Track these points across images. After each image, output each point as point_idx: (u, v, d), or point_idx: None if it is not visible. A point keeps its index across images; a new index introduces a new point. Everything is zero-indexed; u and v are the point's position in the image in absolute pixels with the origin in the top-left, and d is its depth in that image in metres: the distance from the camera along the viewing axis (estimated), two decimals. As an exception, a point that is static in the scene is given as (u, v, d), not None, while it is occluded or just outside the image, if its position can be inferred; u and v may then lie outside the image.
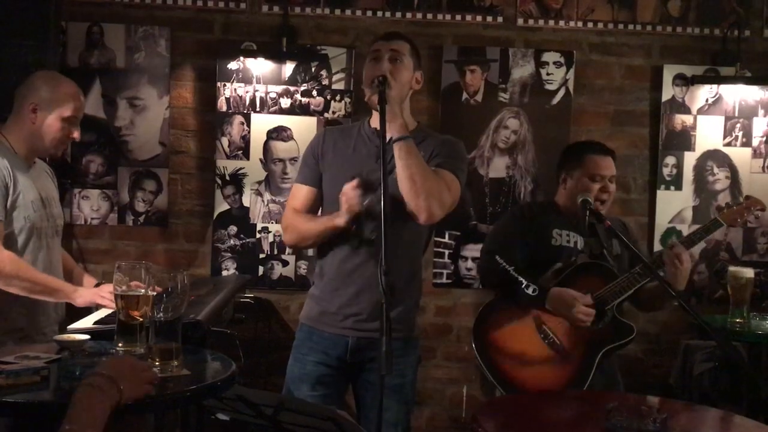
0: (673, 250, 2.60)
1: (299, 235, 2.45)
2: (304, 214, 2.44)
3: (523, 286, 2.61)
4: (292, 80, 3.77)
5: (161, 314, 1.78)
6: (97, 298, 2.41)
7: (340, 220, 2.29)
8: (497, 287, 2.78)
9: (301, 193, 2.47)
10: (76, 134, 2.54)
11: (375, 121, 2.41)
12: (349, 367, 2.41)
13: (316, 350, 2.41)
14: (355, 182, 2.24)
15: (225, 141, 3.76)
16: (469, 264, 3.82)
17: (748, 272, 3.12)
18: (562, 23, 3.85)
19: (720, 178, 3.92)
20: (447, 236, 3.84)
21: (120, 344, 1.93)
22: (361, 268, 2.34)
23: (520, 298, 2.63)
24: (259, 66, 3.74)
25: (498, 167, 3.84)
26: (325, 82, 3.77)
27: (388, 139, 2.23)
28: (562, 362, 2.63)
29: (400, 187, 2.24)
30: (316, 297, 2.47)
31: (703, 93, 3.90)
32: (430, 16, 3.80)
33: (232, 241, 3.78)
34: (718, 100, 3.91)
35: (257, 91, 3.76)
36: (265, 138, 3.77)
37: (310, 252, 3.74)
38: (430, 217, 2.27)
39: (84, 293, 2.43)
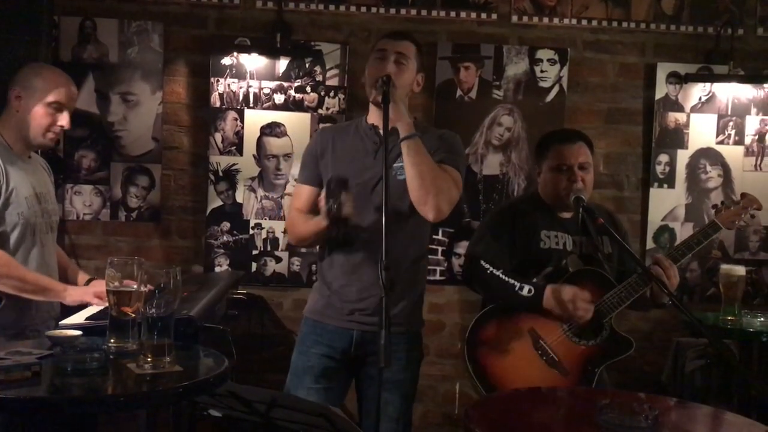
0: (660, 265, 2.52)
1: (297, 236, 2.49)
2: (304, 215, 2.45)
3: (517, 288, 2.51)
4: (286, 76, 3.76)
5: (153, 310, 1.78)
6: (88, 298, 2.40)
7: (323, 222, 2.29)
8: (488, 294, 2.66)
9: (303, 193, 2.49)
10: (63, 121, 2.50)
11: (372, 118, 2.42)
12: (352, 361, 2.42)
13: (321, 343, 2.42)
14: (323, 193, 2.26)
15: (218, 137, 3.75)
16: (462, 261, 3.82)
17: (740, 270, 3.13)
18: (556, 21, 3.85)
19: (713, 176, 3.93)
20: (440, 233, 3.84)
21: (112, 340, 1.92)
22: (367, 263, 2.35)
23: (514, 301, 2.53)
24: (253, 62, 3.73)
25: (492, 164, 3.84)
26: (319, 78, 3.76)
27: (394, 136, 2.24)
28: (560, 380, 2.52)
29: (409, 186, 2.25)
30: (321, 291, 2.48)
31: (697, 91, 3.91)
32: (424, 12, 3.80)
33: (225, 237, 3.78)
34: (711, 98, 3.92)
35: (251, 86, 3.75)
36: (258, 134, 3.77)
37: (303, 249, 3.74)
38: (439, 214, 2.28)
39: (74, 292, 2.42)
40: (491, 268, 2.55)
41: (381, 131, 2.38)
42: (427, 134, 2.38)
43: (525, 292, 2.51)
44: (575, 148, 2.66)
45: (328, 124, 3.68)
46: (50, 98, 2.45)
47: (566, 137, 2.72)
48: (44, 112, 2.45)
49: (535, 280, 2.61)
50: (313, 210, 2.47)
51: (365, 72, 2.44)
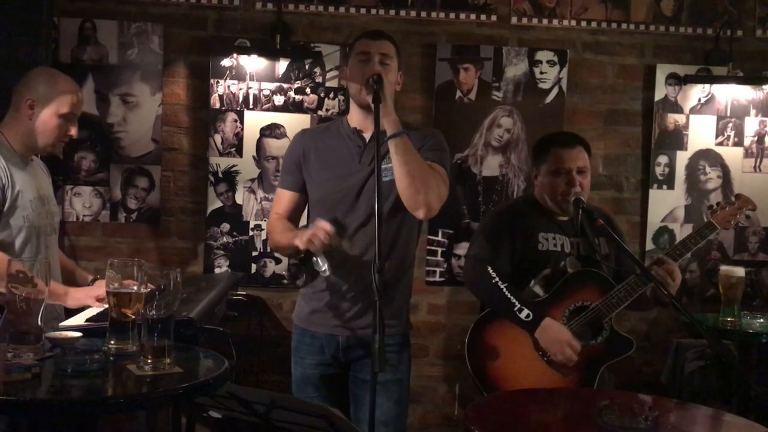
0: (664, 267, 2.53)
1: (274, 243, 2.52)
2: (283, 222, 2.44)
3: (516, 308, 2.51)
4: (286, 77, 3.76)
5: (153, 312, 1.78)
6: (89, 301, 2.40)
7: (299, 242, 2.21)
8: (486, 301, 2.66)
9: (284, 199, 2.48)
10: (73, 131, 2.52)
11: (354, 121, 2.42)
12: (343, 366, 2.41)
13: (313, 352, 2.42)
14: (328, 226, 2.18)
15: (218, 138, 3.75)
16: (462, 262, 3.82)
17: (740, 271, 3.14)
18: (555, 22, 3.86)
19: (712, 177, 3.93)
20: (440, 234, 3.84)
21: (112, 342, 1.92)
22: (351, 266, 2.34)
23: (509, 318, 2.54)
24: (253, 63, 3.73)
25: (491, 166, 3.84)
26: (319, 79, 3.77)
27: (371, 135, 2.25)
28: (561, 381, 2.53)
29: (398, 184, 2.24)
30: (306, 296, 2.47)
31: (696, 92, 3.92)
32: (423, 14, 3.80)
33: (224, 239, 3.78)
34: (710, 99, 3.92)
35: (250, 88, 3.75)
36: (258, 135, 3.77)
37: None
38: (429, 212, 2.27)
39: (75, 295, 2.42)
40: (497, 278, 2.55)
41: (364, 134, 2.40)
42: (411, 133, 2.35)
43: (523, 315, 2.52)
44: (574, 153, 2.67)
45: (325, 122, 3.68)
46: (64, 109, 2.46)
47: (565, 141, 2.73)
48: (58, 122, 2.46)
49: (533, 282, 2.62)
50: (294, 214, 2.48)
51: (346, 74, 2.43)
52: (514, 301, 2.53)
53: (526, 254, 2.65)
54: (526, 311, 2.52)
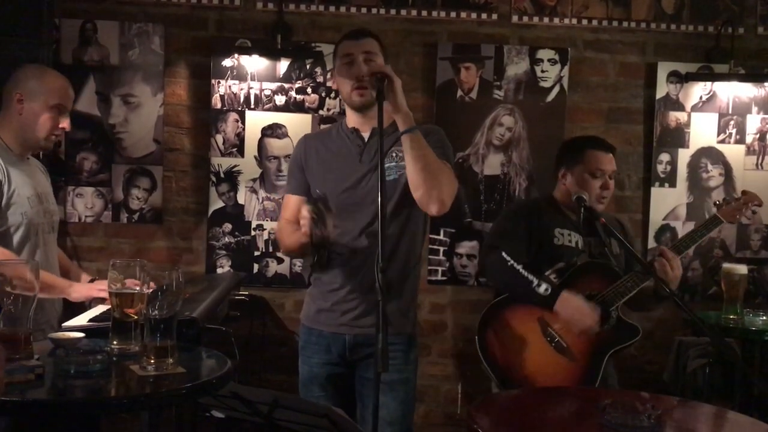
0: (664, 257, 2.59)
1: (284, 247, 2.50)
2: (291, 225, 2.43)
3: (534, 285, 2.58)
4: (287, 77, 3.76)
5: (156, 312, 1.78)
6: (93, 292, 2.41)
7: (304, 238, 2.24)
8: (503, 285, 2.72)
9: (291, 204, 2.48)
10: (64, 124, 2.51)
11: (351, 121, 2.43)
12: (349, 365, 2.41)
13: (319, 351, 2.42)
14: (305, 212, 2.18)
15: (219, 138, 3.76)
16: (464, 261, 3.83)
17: (742, 269, 3.14)
18: (556, 20, 3.86)
19: (714, 175, 3.93)
20: (442, 233, 3.84)
21: (115, 342, 1.93)
22: (356, 267, 2.35)
23: (528, 295, 2.59)
24: (254, 63, 3.73)
25: (493, 164, 3.84)
26: (320, 79, 3.77)
27: (370, 134, 2.26)
28: (569, 365, 2.58)
29: (411, 180, 2.22)
30: (312, 296, 2.48)
31: (697, 90, 3.91)
32: (424, 13, 3.80)
33: (226, 239, 3.78)
34: (712, 97, 3.92)
35: (252, 88, 3.75)
36: (259, 135, 3.77)
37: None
38: (442, 207, 2.25)
39: (79, 288, 2.43)
40: (512, 261, 2.62)
41: (362, 133, 2.41)
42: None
43: (542, 290, 2.59)
44: (609, 157, 2.79)
45: (327, 125, 3.68)
46: (53, 101, 2.46)
47: (602, 145, 2.83)
48: (48, 115, 2.46)
49: (546, 273, 2.67)
50: None
51: (334, 78, 2.43)
52: (531, 278, 2.60)
53: (542, 247, 2.73)
54: (544, 285, 2.59)
